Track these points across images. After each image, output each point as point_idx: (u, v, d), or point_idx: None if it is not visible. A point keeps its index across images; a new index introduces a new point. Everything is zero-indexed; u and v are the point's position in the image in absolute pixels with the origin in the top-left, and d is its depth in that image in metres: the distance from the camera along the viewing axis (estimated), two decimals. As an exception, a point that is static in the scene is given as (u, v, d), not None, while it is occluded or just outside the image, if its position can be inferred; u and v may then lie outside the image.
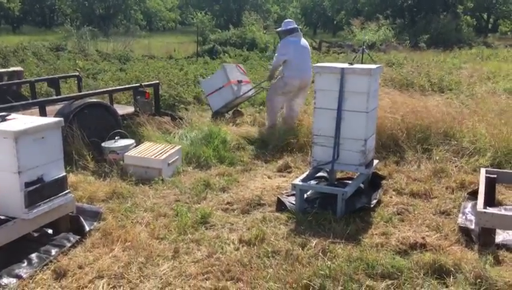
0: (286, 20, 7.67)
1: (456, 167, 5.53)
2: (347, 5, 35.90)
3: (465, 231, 3.83)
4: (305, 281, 3.16)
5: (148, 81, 8.52)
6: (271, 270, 3.36)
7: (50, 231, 3.96)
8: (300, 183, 4.58)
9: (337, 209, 4.34)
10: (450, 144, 5.96)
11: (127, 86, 7.24)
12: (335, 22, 39.68)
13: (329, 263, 3.40)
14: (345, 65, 4.75)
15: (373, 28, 24.66)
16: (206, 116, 8.31)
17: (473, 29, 31.86)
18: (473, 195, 4.61)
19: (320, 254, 3.57)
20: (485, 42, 25.73)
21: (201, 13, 26.82)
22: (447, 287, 3.07)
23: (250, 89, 8.29)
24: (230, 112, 8.39)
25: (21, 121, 3.64)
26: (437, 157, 5.68)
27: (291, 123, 7.21)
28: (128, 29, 32.30)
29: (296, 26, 7.46)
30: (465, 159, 5.66)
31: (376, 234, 3.93)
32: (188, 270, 3.41)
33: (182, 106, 8.70)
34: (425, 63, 15.41)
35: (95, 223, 4.13)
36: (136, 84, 6.84)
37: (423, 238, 3.67)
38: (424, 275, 3.19)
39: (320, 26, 48.36)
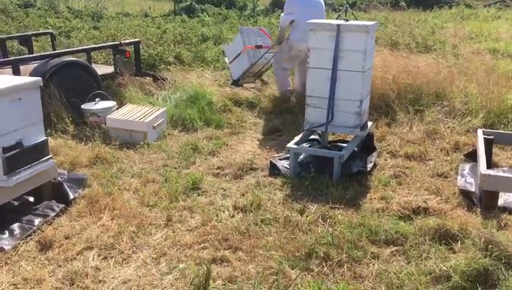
0: None
1: (448, 128, 5.42)
2: (326, -37, 35.03)
3: (466, 194, 3.74)
4: (307, 249, 3.02)
5: (124, 40, 8.12)
6: (271, 238, 3.21)
7: (31, 199, 3.72)
8: (295, 146, 4.40)
9: (333, 173, 4.19)
10: (442, 105, 5.84)
11: (105, 44, 6.82)
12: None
13: (330, 229, 3.27)
14: (341, 22, 4.51)
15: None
16: (189, 77, 7.97)
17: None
18: (470, 157, 4.53)
19: (320, 220, 3.43)
20: (464, 2, 25.51)
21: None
22: (454, 253, 2.98)
23: (264, 54, 6.93)
24: (256, 81, 7.33)
25: (-5, 81, 3.31)
26: (429, 119, 5.56)
27: (302, 91, 6.64)
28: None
29: None
30: (457, 120, 5.56)
31: (375, 198, 3.81)
32: (183, 240, 3.24)
33: (163, 66, 8.30)
34: (407, 23, 15.21)
35: (80, 191, 3.89)
36: (116, 42, 6.45)
37: (425, 202, 3.57)
38: (429, 240, 3.09)
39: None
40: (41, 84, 3.50)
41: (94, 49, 6.47)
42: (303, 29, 5.96)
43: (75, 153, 4.54)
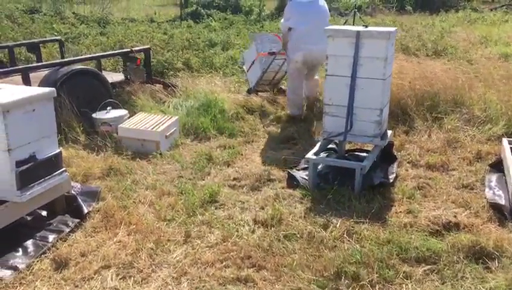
0: None
1: (468, 136, 5.27)
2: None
3: (496, 207, 3.59)
4: (335, 268, 2.88)
5: (132, 46, 7.98)
6: (296, 256, 3.07)
7: (44, 213, 3.59)
8: (314, 157, 4.26)
9: (354, 184, 4.05)
10: (461, 112, 5.68)
11: (116, 51, 6.70)
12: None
13: (358, 246, 3.12)
14: (360, 28, 4.37)
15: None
16: (199, 83, 7.84)
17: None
18: (495, 167, 4.38)
19: (345, 235, 3.29)
20: (470, 6, 25.37)
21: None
22: (491, 272, 2.83)
23: (273, 59, 6.54)
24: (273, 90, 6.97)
25: (8, 91, 3.19)
26: (449, 127, 5.40)
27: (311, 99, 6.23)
28: (104, -10, 30.88)
29: None
30: (477, 128, 5.41)
31: (401, 211, 3.66)
32: (204, 257, 3.10)
33: (172, 72, 8.19)
34: (415, 27, 15.07)
35: (94, 204, 3.76)
36: (127, 50, 6.32)
37: (455, 216, 3.42)
38: (463, 258, 2.95)
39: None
40: (55, 94, 3.38)
41: (105, 56, 6.36)
42: (299, 38, 5.66)
43: (88, 164, 4.41)
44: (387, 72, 4.35)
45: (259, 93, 6.87)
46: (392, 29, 4.43)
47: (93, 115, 5.22)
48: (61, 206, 3.59)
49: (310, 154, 4.29)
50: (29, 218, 3.49)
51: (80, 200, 3.69)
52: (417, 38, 11.64)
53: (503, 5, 25.06)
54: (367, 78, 4.28)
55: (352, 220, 3.49)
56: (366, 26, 4.42)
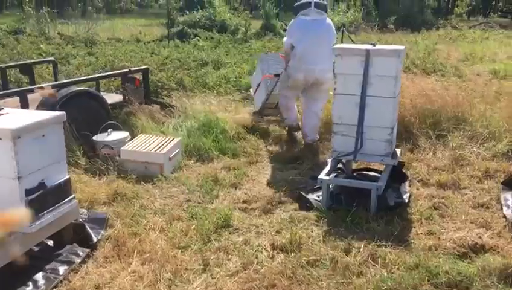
0: None
1: (473, 153, 5.25)
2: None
3: (518, 227, 3.53)
4: (367, 295, 2.77)
5: (123, 66, 7.86)
6: (323, 283, 2.95)
7: (50, 243, 3.40)
8: (327, 178, 4.17)
9: (369, 205, 3.96)
10: (464, 129, 5.68)
11: (115, 72, 6.55)
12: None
13: (385, 272, 3.02)
14: (368, 46, 4.34)
15: (342, 9, 24.41)
16: (194, 103, 7.73)
17: (432, 11, 32.05)
18: (508, 184, 4.35)
19: (369, 260, 3.19)
20: (450, 23, 25.94)
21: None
22: (527, 295, 2.75)
23: (276, 83, 6.24)
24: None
25: (17, 116, 3.04)
26: (454, 144, 5.38)
27: (307, 135, 5.71)
28: (85, 11, 30.72)
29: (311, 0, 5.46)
30: (482, 145, 5.40)
31: (422, 233, 3.57)
32: (226, 287, 2.96)
33: (166, 92, 8.06)
34: (399, 45, 15.25)
35: (102, 232, 3.58)
36: (125, 70, 6.19)
37: (480, 237, 3.34)
38: (497, 282, 2.86)
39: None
40: (65, 118, 3.23)
41: (104, 77, 6.21)
42: (300, 57, 5.42)
43: (92, 189, 4.24)
44: (397, 90, 4.32)
45: (264, 117, 6.63)
46: (401, 47, 4.42)
47: (94, 138, 5.06)
48: (68, 235, 3.41)
49: (323, 175, 4.20)
50: (36, 249, 3.30)
51: (88, 227, 3.52)
52: (405, 56, 11.74)
53: (481, 23, 25.71)
54: (377, 97, 4.23)
55: (374, 243, 3.39)
56: (374, 45, 4.39)
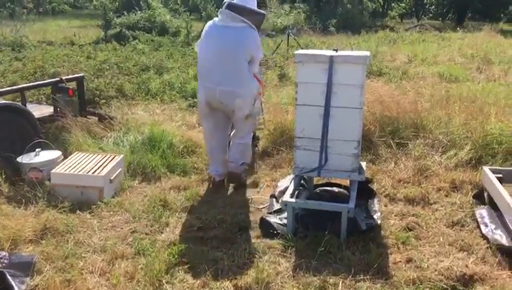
0: None
1: (435, 162, 5.02)
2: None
3: (504, 251, 3.24)
4: None
5: (53, 73, 7.07)
6: (301, 335, 2.49)
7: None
8: (293, 200, 3.73)
9: (340, 230, 3.56)
10: (424, 137, 5.44)
11: (44, 81, 5.78)
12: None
13: (370, 315, 2.62)
14: (331, 52, 3.94)
15: (285, 11, 24.31)
16: (136, 112, 7.09)
17: (369, 14, 32.76)
18: (478, 198, 4.11)
19: (350, 300, 2.77)
20: (387, 26, 26.57)
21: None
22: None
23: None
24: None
25: None
26: (416, 154, 5.12)
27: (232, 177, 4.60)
28: (14, 12, 28.79)
29: (232, 0, 4.24)
30: (443, 154, 5.17)
31: (401, 261, 3.21)
32: None
33: (104, 100, 7.36)
34: (343, 47, 15.22)
35: (28, 280, 2.95)
36: (56, 79, 5.45)
37: (466, 266, 3.02)
38: (495, 321, 2.53)
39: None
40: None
41: (30, 88, 5.45)
42: (203, 71, 4.33)
43: (15, 223, 3.55)
44: (363, 100, 3.97)
45: None
46: (366, 53, 4.05)
47: (19, 160, 4.34)
48: (-16, 288, 2.76)
49: (287, 197, 3.75)
50: None
51: (8, 276, 2.88)
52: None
53: (416, 25, 26.50)
54: (342, 107, 3.85)
55: (351, 277, 2.99)
56: (337, 50, 4.01)
